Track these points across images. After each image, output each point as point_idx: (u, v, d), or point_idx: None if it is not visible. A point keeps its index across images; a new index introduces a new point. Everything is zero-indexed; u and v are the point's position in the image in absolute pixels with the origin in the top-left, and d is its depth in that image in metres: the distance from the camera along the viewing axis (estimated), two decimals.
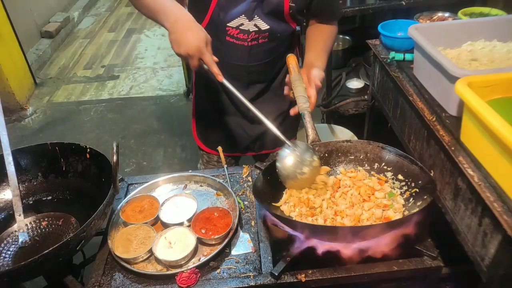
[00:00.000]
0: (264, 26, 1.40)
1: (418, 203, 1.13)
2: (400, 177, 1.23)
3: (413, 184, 1.19)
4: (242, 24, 1.39)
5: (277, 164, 1.21)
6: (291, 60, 1.40)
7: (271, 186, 1.25)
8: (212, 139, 1.75)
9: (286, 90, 1.39)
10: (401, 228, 1.09)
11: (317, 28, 1.55)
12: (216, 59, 1.24)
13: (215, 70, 1.22)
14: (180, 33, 1.18)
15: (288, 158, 1.20)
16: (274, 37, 1.45)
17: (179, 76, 4.27)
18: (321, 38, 1.52)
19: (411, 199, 1.18)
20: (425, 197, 1.12)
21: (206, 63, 1.22)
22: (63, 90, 4.25)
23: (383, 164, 1.27)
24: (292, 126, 1.77)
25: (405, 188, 1.21)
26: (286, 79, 1.39)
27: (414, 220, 1.09)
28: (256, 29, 1.40)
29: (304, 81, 1.34)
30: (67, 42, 5.28)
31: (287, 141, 1.23)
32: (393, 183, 1.25)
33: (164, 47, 5.04)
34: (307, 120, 1.28)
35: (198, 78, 1.65)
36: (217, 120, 1.68)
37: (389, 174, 1.26)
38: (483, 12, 1.71)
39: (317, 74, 1.34)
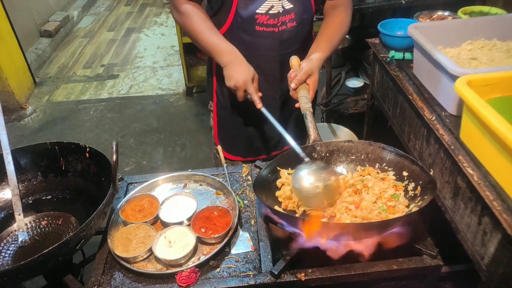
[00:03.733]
0: (288, 5, 1.42)
1: (419, 203, 1.13)
2: (400, 176, 1.23)
3: (413, 184, 1.19)
4: (272, 7, 1.40)
5: (294, 180, 1.21)
6: (295, 61, 1.43)
7: (273, 183, 1.26)
8: (237, 145, 1.75)
9: (291, 91, 1.41)
10: (401, 226, 1.09)
11: (328, 19, 1.55)
12: (260, 94, 1.39)
13: (256, 98, 1.37)
14: (231, 70, 1.38)
15: (305, 175, 1.19)
16: (301, 19, 1.46)
17: (179, 75, 4.26)
18: (328, 30, 1.52)
19: (412, 199, 1.18)
20: (426, 196, 1.11)
21: (249, 93, 1.38)
22: (63, 89, 4.25)
23: (384, 164, 1.27)
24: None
25: (406, 188, 1.21)
26: (288, 75, 1.42)
27: (415, 218, 1.09)
28: (282, 9, 1.41)
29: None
30: (67, 41, 5.27)
31: (307, 158, 1.24)
32: (396, 184, 1.24)
33: (163, 46, 5.03)
34: (309, 120, 1.31)
35: (219, 86, 1.65)
36: (241, 126, 1.70)
37: (390, 174, 1.25)
38: (483, 11, 1.71)
39: (303, 66, 1.38)
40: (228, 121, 1.71)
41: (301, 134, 1.81)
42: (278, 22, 1.43)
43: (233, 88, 1.39)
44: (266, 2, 1.39)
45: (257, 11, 1.40)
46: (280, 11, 1.41)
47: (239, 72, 1.37)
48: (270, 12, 1.40)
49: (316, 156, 1.31)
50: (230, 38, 1.44)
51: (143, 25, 5.63)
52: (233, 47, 1.42)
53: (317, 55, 1.43)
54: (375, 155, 1.29)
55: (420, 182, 1.16)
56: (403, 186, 1.21)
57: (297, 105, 1.37)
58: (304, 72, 1.37)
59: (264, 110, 1.36)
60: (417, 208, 1.08)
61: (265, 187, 1.24)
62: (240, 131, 1.72)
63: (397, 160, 1.24)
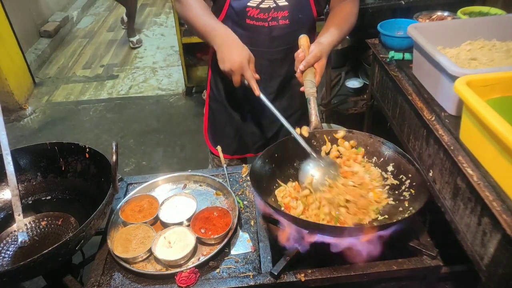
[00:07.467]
0: (282, 1, 1.39)
1: (411, 207, 1.14)
2: (396, 174, 1.24)
3: (408, 183, 1.20)
4: (262, 1, 1.39)
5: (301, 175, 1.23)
6: (303, 41, 1.39)
7: (268, 171, 1.27)
8: (225, 142, 1.73)
9: (298, 73, 1.37)
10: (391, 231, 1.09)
11: (335, 10, 1.54)
12: (257, 76, 1.33)
13: (254, 85, 1.30)
14: (226, 52, 1.29)
15: (312, 171, 1.21)
16: (295, 18, 1.44)
17: (178, 76, 4.26)
18: (336, 18, 1.50)
19: (406, 199, 1.18)
20: (419, 198, 1.12)
21: (246, 78, 1.30)
22: (62, 90, 4.25)
23: (382, 159, 1.29)
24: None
25: (402, 187, 1.21)
26: (296, 54, 1.37)
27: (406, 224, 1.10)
28: (275, 5, 1.39)
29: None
30: (66, 41, 5.27)
31: (313, 153, 1.24)
32: (391, 176, 1.26)
33: (163, 46, 5.03)
34: (312, 106, 1.30)
35: (213, 77, 1.65)
36: (231, 121, 1.68)
37: (390, 168, 1.26)
38: (482, 11, 1.71)
39: (312, 49, 1.35)
40: (218, 115, 1.70)
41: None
42: (268, 17, 1.41)
43: (228, 72, 1.31)
44: None
45: (248, 4, 1.39)
46: (272, 6, 1.40)
47: (234, 54, 1.28)
48: (261, 6, 1.39)
49: (315, 144, 1.31)
50: None
51: (143, 26, 5.63)
52: (227, 28, 1.36)
53: (327, 38, 1.39)
54: (374, 149, 1.31)
55: (414, 184, 1.18)
56: (396, 183, 1.23)
57: (302, 88, 1.33)
58: (313, 55, 1.32)
59: (263, 97, 1.30)
60: (406, 215, 1.10)
61: (261, 179, 1.24)
62: (230, 126, 1.70)
63: (394, 157, 1.26)
